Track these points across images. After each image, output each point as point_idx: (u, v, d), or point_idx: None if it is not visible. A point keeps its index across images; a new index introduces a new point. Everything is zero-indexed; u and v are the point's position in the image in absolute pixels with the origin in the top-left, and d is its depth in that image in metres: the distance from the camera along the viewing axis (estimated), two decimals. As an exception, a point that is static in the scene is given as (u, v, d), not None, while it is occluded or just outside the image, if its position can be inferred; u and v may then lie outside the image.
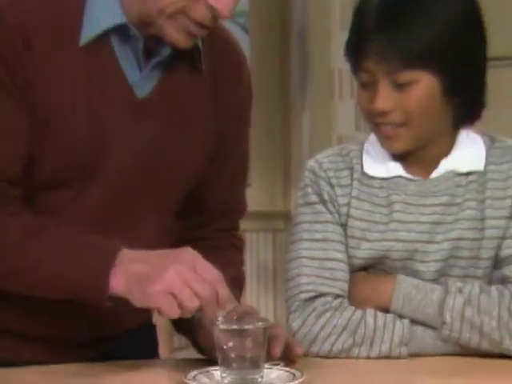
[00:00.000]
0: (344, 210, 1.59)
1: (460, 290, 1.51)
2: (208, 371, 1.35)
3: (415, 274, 1.55)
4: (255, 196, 4.13)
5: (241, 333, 1.30)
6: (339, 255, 1.58)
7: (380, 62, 1.49)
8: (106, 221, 1.45)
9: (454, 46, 1.50)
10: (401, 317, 1.53)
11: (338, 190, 1.60)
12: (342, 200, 1.60)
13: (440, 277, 1.55)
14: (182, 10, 1.36)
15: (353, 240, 1.58)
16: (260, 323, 1.31)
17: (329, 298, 1.55)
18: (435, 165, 1.58)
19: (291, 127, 4.44)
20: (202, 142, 1.52)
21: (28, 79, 1.39)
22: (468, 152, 1.59)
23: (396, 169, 1.59)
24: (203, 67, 1.50)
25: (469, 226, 1.55)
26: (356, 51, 1.54)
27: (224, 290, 1.31)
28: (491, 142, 1.61)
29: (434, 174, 1.58)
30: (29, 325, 1.49)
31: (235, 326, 1.31)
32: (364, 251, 1.57)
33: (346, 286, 1.57)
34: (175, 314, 1.29)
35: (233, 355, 1.29)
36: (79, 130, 1.41)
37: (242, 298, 1.55)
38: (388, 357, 1.51)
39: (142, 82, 1.45)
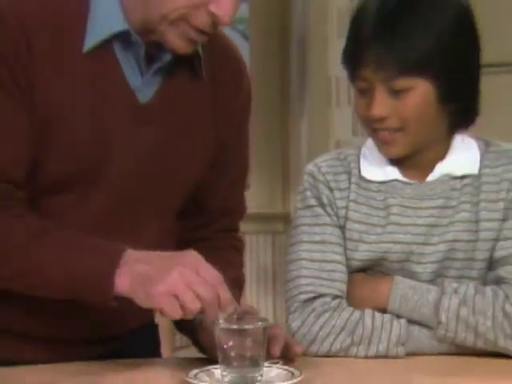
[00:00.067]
0: (342, 212, 1.61)
1: (455, 291, 1.53)
2: (209, 370, 1.36)
3: (412, 275, 1.57)
4: (255, 199, 4.12)
5: (241, 332, 1.31)
6: (338, 257, 1.59)
7: (377, 70, 1.51)
8: (108, 225, 1.45)
9: (449, 54, 1.51)
10: (398, 317, 1.54)
11: (337, 194, 1.62)
12: (340, 203, 1.61)
13: (436, 278, 1.56)
14: (184, 17, 1.37)
15: (351, 242, 1.60)
16: (260, 323, 1.32)
17: (327, 299, 1.57)
18: (431, 169, 1.60)
19: (290, 132, 4.45)
20: (202, 147, 1.53)
21: (28, 79, 1.38)
22: (463, 156, 1.60)
23: (393, 173, 1.61)
24: (203, 73, 1.51)
25: (464, 228, 1.57)
26: (353, 59, 1.55)
27: (225, 293, 1.32)
28: (486, 147, 1.62)
29: (430, 178, 1.60)
30: (30, 325, 1.49)
31: (235, 326, 1.32)
32: (362, 253, 1.59)
33: (344, 287, 1.59)
34: (177, 315, 1.30)
35: (233, 354, 1.30)
36: (82, 135, 1.41)
37: (242, 298, 1.56)
38: (385, 356, 1.53)
39: (143, 86, 1.45)
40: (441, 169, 1.60)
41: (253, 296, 4.30)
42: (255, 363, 1.31)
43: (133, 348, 1.56)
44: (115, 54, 1.43)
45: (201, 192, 1.57)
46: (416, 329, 1.54)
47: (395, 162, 1.61)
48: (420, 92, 1.52)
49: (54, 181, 1.43)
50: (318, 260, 1.59)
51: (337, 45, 3.64)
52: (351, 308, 1.56)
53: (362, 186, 1.62)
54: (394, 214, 1.59)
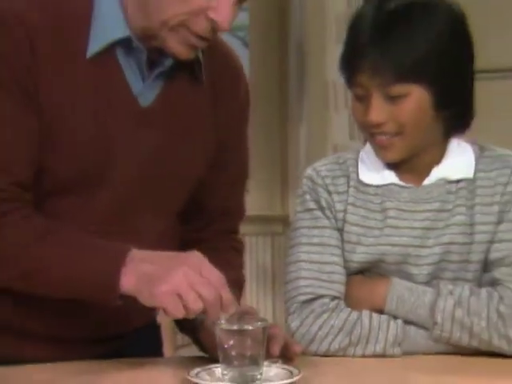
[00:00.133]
0: (341, 215, 1.62)
1: (451, 292, 1.54)
2: (210, 368, 1.37)
3: (409, 276, 1.58)
4: (255, 201, 4.14)
5: (241, 332, 1.32)
6: (336, 259, 1.61)
7: (373, 76, 1.52)
8: (111, 227, 1.47)
9: (444, 61, 1.53)
10: (395, 318, 1.56)
11: (335, 197, 1.63)
12: (338, 206, 1.63)
13: (432, 279, 1.58)
14: (184, 23, 1.39)
15: (349, 244, 1.61)
16: (259, 323, 1.33)
17: (326, 300, 1.58)
18: (427, 173, 1.61)
19: (289, 136, 4.48)
20: (202, 150, 1.55)
21: (33, 79, 1.39)
22: (458, 160, 1.62)
23: (390, 176, 1.62)
24: (203, 78, 1.52)
25: (459, 231, 1.58)
26: (350, 66, 1.57)
27: (227, 294, 1.33)
28: (481, 151, 1.64)
29: (426, 182, 1.61)
30: (31, 323, 1.49)
31: (236, 326, 1.33)
32: (360, 255, 1.60)
33: (342, 289, 1.60)
34: (180, 314, 1.32)
35: (233, 353, 1.31)
36: (86, 140, 1.42)
37: (242, 299, 1.56)
38: (382, 355, 1.54)
39: (145, 91, 1.47)
40: (437, 173, 1.61)
41: (252, 296, 4.31)
42: (255, 362, 1.32)
43: (135, 347, 1.57)
44: (118, 60, 1.45)
45: (200, 191, 1.58)
46: (412, 329, 1.56)
47: (392, 166, 1.62)
48: (415, 98, 1.53)
49: (59, 184, 1.44)
50: (316, 262, 1.61)
51: (334, 50, 3.64)
52: (349, 309, 1.58)
53: (359, 189, 1.64)
54: (391, 217, 1.61)
